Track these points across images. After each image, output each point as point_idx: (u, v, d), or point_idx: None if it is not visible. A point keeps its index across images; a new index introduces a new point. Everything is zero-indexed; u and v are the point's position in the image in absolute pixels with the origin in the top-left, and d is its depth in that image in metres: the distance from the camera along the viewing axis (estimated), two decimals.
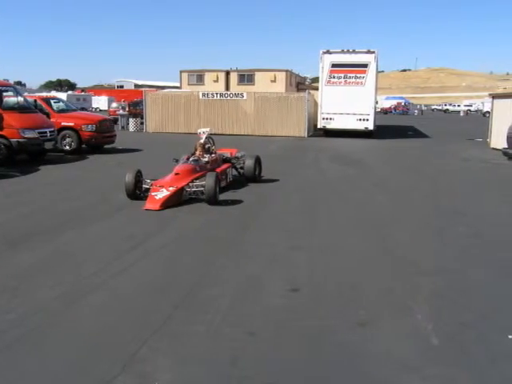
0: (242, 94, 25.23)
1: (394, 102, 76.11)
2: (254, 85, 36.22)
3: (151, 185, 8.31)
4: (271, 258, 5.56)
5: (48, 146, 13.58)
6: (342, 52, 23.37)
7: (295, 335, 3.76)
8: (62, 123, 15.39)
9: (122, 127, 27.05)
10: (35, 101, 15.15)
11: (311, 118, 25.26)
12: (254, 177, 10.35)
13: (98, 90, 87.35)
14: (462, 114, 71.95)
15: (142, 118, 26.29)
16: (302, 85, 41.02)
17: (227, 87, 37.23)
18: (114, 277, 4.88)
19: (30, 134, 12.84)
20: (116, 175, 10.24)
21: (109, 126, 17.08)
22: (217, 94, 25.82)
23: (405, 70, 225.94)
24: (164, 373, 3.23)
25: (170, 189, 8.08)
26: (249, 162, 10.33)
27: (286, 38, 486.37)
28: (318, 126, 24.12)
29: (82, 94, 64.10)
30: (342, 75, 23.25)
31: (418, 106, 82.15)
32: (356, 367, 3.33)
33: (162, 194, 7.98)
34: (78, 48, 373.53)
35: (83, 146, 15.85)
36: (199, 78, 38.95)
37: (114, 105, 42.87)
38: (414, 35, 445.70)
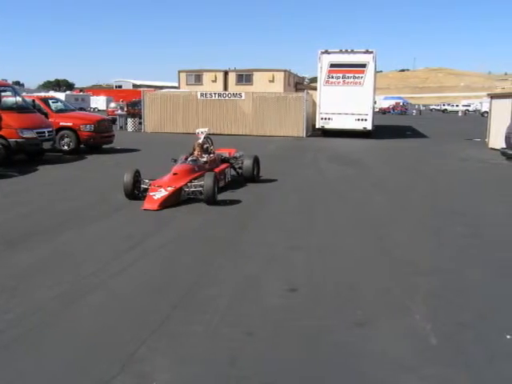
0: (240, 94, 25.23)
1: (392, 102, 76.26)
2: (252, 85, 36.26)
3: (149, 185, 8.30)
4: (269, 258, 5.56)
5: (46, 146, 13.57)
6: (341, 52, 23.38)
7: (293, 335, 3.76)
8: (61, 123, 15.37)
9: (121, 127, 27.04)
10: (33, 101, 15.11)
11: (310, 118, 25.23)
12: (252, 177, 10.35)
13: (97, 89, 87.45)
14: (460, 114, 72.03)
15: (140, 118, 26.27)
16: (300, 85, 41.07)
17: (225, 87, 37.25)
18: (112, 277, 4.89)
19: (28, 134, 12.83)
20: (114, 175, 10.24)
21: (107, 126, 17.08)
22: (215, 94, 25.82)
23: (403, 70, 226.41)
24: (162, 373, 3.23)
25: (169, 189, 8.08)
26: (247, 162, 10.33)
27: (284, 38, 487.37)
28: (317, 126, 24.09)
29: (81, 93, 64.14)
30: (341, 75, 23.26)
31: (417, 106, 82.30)
32: (354, 367, 3.34)
33: (160, 194, 7.98)
34: (77, 48, 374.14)
35: (81, 146, 15.82)
36: (197, 78, 38.96)
37: (113, 105, 42.93)
38: (413, 35, 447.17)
